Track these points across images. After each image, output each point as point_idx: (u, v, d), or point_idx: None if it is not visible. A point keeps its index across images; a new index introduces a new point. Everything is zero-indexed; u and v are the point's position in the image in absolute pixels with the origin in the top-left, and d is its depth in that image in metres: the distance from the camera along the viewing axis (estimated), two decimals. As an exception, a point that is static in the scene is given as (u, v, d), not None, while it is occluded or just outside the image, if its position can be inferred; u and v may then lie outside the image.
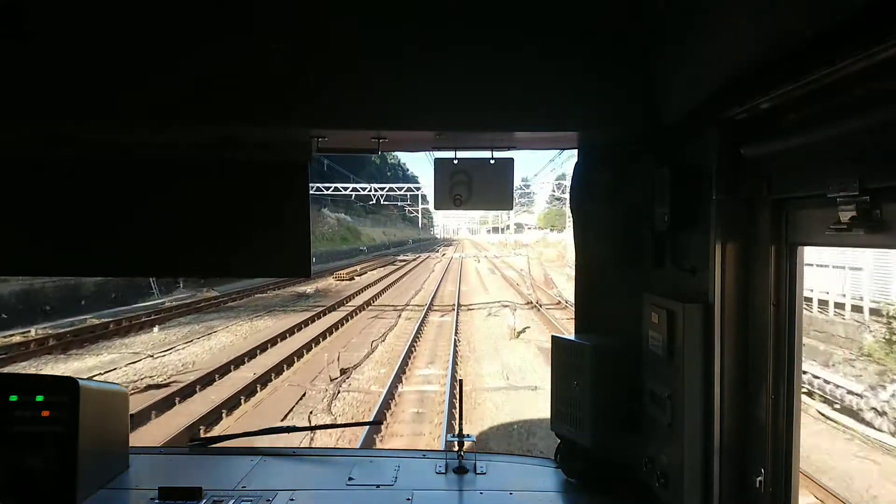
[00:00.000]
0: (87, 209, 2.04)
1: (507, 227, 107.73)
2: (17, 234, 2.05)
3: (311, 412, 10.11)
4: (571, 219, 2.30)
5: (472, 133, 1.99)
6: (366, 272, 39.01)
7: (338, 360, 12.86)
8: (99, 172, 2.03)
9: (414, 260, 56.87)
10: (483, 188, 2.18)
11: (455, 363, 13.23)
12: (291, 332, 16.94)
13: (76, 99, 1.76)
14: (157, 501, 2.06)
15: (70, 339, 15.75)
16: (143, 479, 2.25)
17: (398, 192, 59.73)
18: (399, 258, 58.56)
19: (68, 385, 2.09)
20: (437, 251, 79.81)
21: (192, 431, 8.55)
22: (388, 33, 1.77)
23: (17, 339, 15.29)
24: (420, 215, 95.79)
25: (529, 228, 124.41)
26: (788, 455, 1.50)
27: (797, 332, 1.50)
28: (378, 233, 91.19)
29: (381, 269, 43.72)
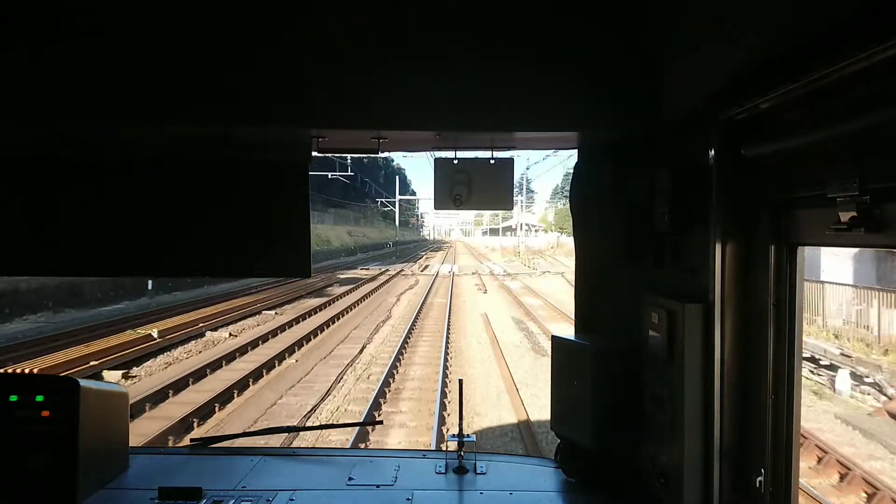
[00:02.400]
0: (86, 209, 2.04)
1: (514, 227, 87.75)
2: (16, 234, 2.05)
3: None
4: (571, 219, 2.31)
5: (472, 133, 1.99)
6: (189, 334, 15.31)
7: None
8: (98, 172, 2.03)
9: (368, 282, 30.08)
10: (483, 188, 2.18)
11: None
12: None
13: (75, 99, 1.76)
14: (157, 501, 2.06)
15: None
16: (143, 479, 2.25)
17: (338, 157, 37.58)
18: (347, 276, 33.87)
19: (68, 385, 2.09)
20: (419, 260, 54.22)
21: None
22: (388, 33, 1.77)
23: None
24: (397, 208, 70.05)
25: (536, 230, 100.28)
26: (788, 455, 1.50)
27: (797, 332, 1.50)
28: (340, 233, 65.02)
29: (266, 319, 18.47)
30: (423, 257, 64.07)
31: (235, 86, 1.78)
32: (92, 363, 11.63)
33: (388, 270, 39.61)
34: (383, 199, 69.79)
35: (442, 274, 37.46)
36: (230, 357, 13.03)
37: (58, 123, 1.82)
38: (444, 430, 9.22)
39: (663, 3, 1.50)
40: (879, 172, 1.11)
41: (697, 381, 1.64)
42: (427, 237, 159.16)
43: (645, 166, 1.96)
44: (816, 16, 1.08)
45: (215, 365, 12.32)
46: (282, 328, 16.60)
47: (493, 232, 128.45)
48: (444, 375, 11.81)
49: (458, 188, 2.17)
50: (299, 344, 14.70)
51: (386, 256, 60.99)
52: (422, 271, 40.96)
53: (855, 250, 17.21)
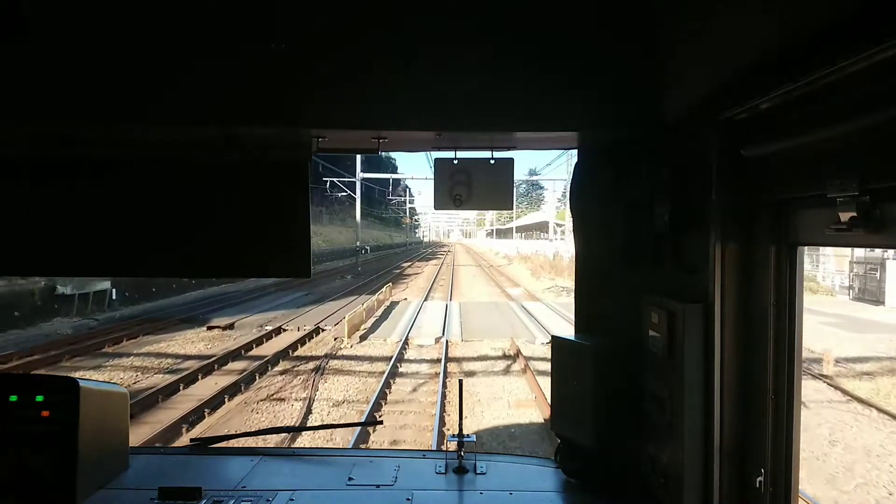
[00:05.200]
0: (87, 209, 2.04)
1: (527, 228, 67.49)
2: (16, 235, 2.05)
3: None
4: (572, 219, 2.31)
5: (472, 133, 1.99)
6: None
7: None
8: (98, 173, 2.03)
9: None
10: (483, 188, 2.18)
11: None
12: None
13: (75, 99, 1.76)
14: (156, 501, 2.06)
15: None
16: (143, 479, 2.25)
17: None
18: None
19: (68, 385, 2.10)
20: (385, 287, 26.25)
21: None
22: (388, 33, 1.77)
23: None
24: (358, 194, 44.29)
25: (562, 231, 65.82)
26: (788, 455, 1.50)
27: (797, 332, 1.50)
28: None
29: None
30: (398, 275, 39.28)
31: (235, 86, 1.78)
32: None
33: (267, 339, 16.10)
34: (334, 179, 44.26)
35: (409, 368, 12.88)
36: None
37: (57, 124, 1.82)
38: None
39: (663, 3, 1.50)
40: (879, 172, 1.11)
41: (697, 381, 1.64)
42: (423, 239, 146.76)
43: (645, 166, 1.96)
44: (816, 16, 1.08)
45: None
46: None
47: (501, 234, 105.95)
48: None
49: (458, 188, 2.18)
50: None
51: (336, 274, 37.21)
52: (362, 337, 15.86)
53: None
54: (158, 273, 2.18)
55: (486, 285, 33.69)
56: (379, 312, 20.67)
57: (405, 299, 25.54)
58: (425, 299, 25.67)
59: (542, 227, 71.82)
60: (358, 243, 46.43)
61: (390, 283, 29.12)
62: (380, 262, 54.04)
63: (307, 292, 28.00)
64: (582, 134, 2.03)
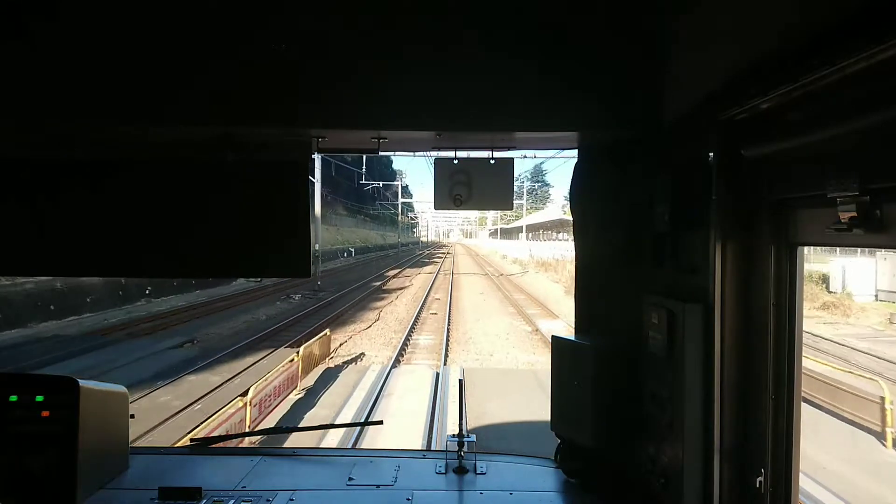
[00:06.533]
0: (87, 209, 2.03)
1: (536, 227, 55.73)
2: (17, 235, 2.05)
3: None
4: (572, 219, 2.31)
5: (472, 133, 1.99)
6: None
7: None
8: (99, 173, 2.03)
9: None
10: (483, 188, 2.18)
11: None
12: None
13: (75, 100, 1.76)
14: (157, 501, 2.07)
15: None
16: (143, 479, 2.25)
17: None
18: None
19: (68, 385, 2.10)
20: (293, 355, 10.73)
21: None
22: (388, 33, 1.77)
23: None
24: (318, 177, 28.04)
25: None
26: (788, 455, 1.50)
27: (797, 333, 1.50)
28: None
29: None
30: (372, 293, 28.20)
31: (235, 86, 1.78)
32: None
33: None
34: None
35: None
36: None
37: (57, 124, 1.82)
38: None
39: (663, 4, 1.50)
40: (879, 172, 1.11)
41: (697, 381, 1.64)
42: (420, 239, 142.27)
43: (645, 166, 1.96)
44: (816, 16, 1.08)
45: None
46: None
47: (505, 234, 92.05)
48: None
49: (458, 188, 2.18)
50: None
51: (281, 292, 27.26)
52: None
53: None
54: (158, 273, 2.18)
55: (503, 315, 21.55)
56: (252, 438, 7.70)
57: (359, 358, 14.39)
58: (396, 361, 13.95)
59: (556, 227, 60.23)
60: (317, 245, 31.45)
61: (327, 331, 15.05)
62: (359, 269, 41.82)
63: (188, 338, 16.34)
64: (582, 134, 2.03)
